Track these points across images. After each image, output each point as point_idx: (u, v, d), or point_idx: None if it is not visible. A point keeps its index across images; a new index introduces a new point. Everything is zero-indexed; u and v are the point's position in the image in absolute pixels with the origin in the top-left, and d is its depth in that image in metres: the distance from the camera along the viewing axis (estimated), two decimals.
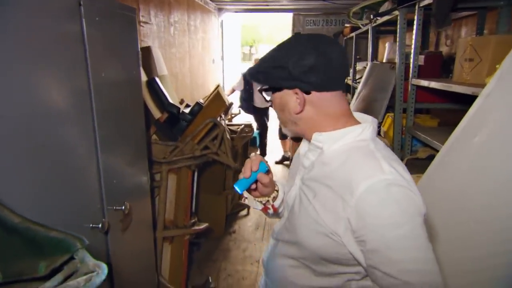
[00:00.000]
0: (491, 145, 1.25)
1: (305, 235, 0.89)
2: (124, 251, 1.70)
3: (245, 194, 1.06)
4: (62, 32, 1.23)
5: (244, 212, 3.90)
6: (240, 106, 5.37)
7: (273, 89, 0.92)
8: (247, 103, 5.41)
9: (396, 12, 2.57)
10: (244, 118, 4.95)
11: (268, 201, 1.06)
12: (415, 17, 2.28)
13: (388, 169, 0.79)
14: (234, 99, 4.80)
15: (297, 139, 5.25)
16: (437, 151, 2.30)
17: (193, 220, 2.50)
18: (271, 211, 1.08)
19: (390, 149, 0.91)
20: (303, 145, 1.00)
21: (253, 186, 1.03)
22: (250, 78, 0.96)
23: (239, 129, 3.39)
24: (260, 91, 0.95)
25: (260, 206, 1.08)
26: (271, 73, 0.89)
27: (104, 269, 0.73)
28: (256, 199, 1.08)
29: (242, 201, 3.93)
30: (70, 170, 1.28)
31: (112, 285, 1.51)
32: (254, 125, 4.30)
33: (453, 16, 2.75)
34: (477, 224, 1.27)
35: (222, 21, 5.95)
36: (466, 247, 1.30)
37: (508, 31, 2.35)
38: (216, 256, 3.08)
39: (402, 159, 2.21)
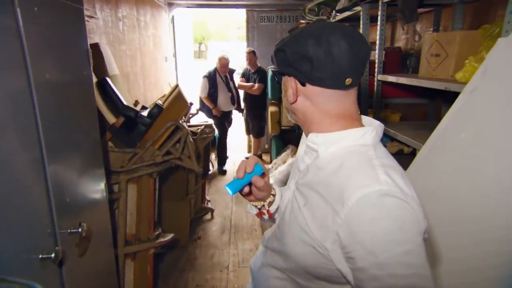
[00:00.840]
0: (480, 141, 1.21)
1: (292, 244, 0.83)
2: (82, 280, 1.49)
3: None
4: None
5: (208, 216, 3.75)
6: (200, 109, 4.84)
7: (279, 73, 0.89)
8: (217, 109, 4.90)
9: (358, 8, 2.53)
10: (202, 118, 4.71)
11: (263, 205, 1.02)
12: (379, 13, 2.25)
13: (384, 179, 0.71)
14: (194, 100, 4.28)
15: (259, 135, 5.14)
16: (406, 145, 2.30)
17: (157, 232, 2.30)
18: (266, 216, 1.03)
19: (393, 157, 0.81)
20: (301, 147, 0.92)
21: (247, 189, 0.97)
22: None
23: (199, 130, 3.19)
24: (274, 72, 0.90)
25: (255, 211, 1.04)
26: (276, 56, 0.85)
27: None
28: (251, 203, 1.04)
29: (205, 204, 3.75)
30: (9, 190, 1.07)
31: None
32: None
33: None
34: (467, 223, 1.23)
35: (173, 16, 5.67)
36: (457, 247, 1.25)
37: (462, 28, 2.40)
38: (183, 266, 2.90)
39: None
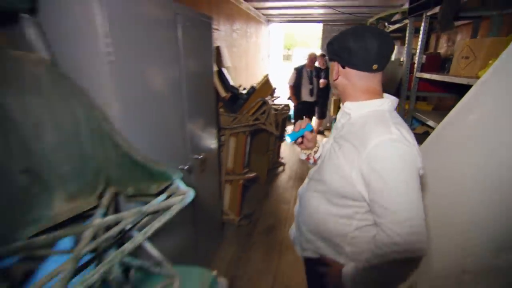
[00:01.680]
0: (484, 122, 1.12)
1: (329, 175, 0.87)
2: (201, 186, 1.75)
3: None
4: (166, 35, 1.23)
5: (281, 168, 3.87)
6: (289, 98, 4.36)
7: (329, 59, 0.91)
8: (295, 98, 4.33)
9: (406, 21, 2.35)
10: (284, 101, 4.73)
11: (310, 153, 1.07)
12: (422, 24, 2.08)
13: (395, 132, 0.75)
14: (277, 86, 3.97)
15: (321, 117, 4.86)
16: (432, 128, 2.15)
17: (246, 170, 2.54)
18: (311, 161, 1.08)
19: (403, 120, 0.85)
20: (339, 114, 0.96)
21: (300, 140, 1.03)
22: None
23: (280, 107, 3.34)
24: (329, 59, 0.93)
25: (304, 156, 1.09)
26: (328, 47, 0.88)
27: (192, 193, 0.72)
28: (302, 151, 1.08)
29: (280, 160, 3.94)
30: (169, 131, 1.33)
31: (194, 207, 1.60)
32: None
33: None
34: (463, 179, 1.18)
35: (269, 29, 5.76)
36: (453, 214, 1.19)
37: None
38: (260, 197, 3.08)
39: None
